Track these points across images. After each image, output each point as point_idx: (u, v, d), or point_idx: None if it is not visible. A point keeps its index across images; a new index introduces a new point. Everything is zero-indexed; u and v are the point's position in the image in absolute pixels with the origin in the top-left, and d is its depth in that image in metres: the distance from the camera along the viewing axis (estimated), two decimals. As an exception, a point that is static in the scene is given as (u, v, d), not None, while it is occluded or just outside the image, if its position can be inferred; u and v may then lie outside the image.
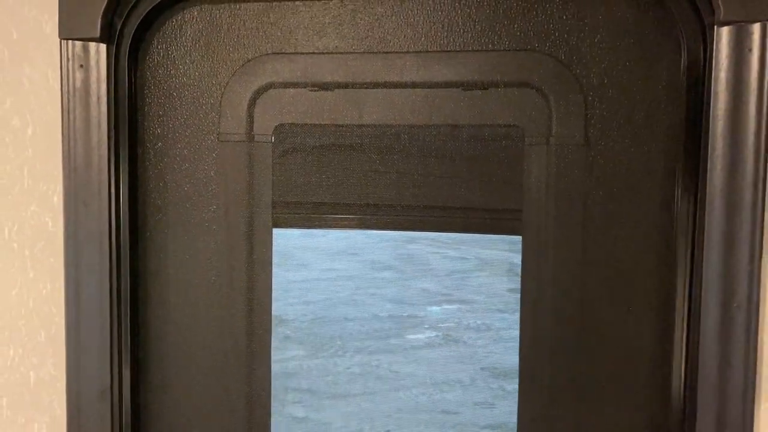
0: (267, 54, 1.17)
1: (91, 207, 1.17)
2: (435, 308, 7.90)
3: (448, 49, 1.13)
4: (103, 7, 1.12)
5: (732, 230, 1.02)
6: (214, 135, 1.20)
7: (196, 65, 1.20)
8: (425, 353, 6.52)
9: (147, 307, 1.23)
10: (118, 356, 1.19)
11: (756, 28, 0.99)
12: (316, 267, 9.46)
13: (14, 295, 1.22)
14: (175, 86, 1.20)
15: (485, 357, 6.34)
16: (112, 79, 1.16)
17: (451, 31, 1.13)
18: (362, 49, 1.15)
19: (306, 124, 1.18)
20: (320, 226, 1.21)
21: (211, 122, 1.20)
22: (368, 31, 1.15)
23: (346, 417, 5.26)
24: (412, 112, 1.15)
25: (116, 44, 1.16)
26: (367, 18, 1.15)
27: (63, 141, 1.16)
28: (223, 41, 1.19)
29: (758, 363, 1.03)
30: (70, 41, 1.14)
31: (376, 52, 1.14)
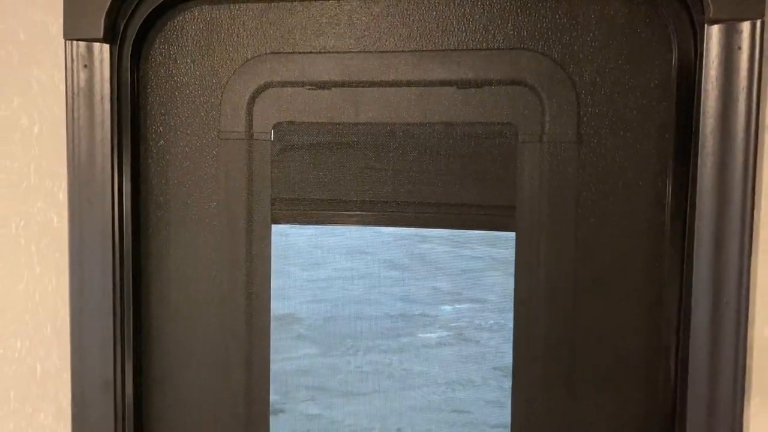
0: (266, 54, 1.20)
1: (95, 203, 1.19)
2: (447, 307, 7.91)
3: (443, 48, 1.14)
4: (106, 8, 1.15)
5: (722, 227, 1.02)
6: (215, 133, 1.23)
7: (197, 65, 1.22)
8: (437, 352, 6.53)
9: (149, 301, 1.26)
10: (121, 349, 1.22)
11: (745, 26, 1.00)
12: (329, 266, 9.49)
13: (21, 289, 1.25)
14: (177, 85, 1.23)
15: (497, 356, 6.33)
16: (116, 78, 1.18)
17: (446, 30, 1.15)
18: (358, 49, 1.17)
19: (304, 122, 1.20)
20: (318, 222, 1.23)
21: (212, 120, 1.22)
22: (364, 30, 1.17)
23: (357, 415, 5.28)
24: (408, 110, 1.16)
25: (119, 44, 1.18)
26: (363, 18, 1.17)
27: (68, 139, 1.19)
28: (223, 41, 1.21)
29: (747, 358, 1.04)
30: (74, 42, 1.17)
31: (372, 52, 1.16)
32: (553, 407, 1.15)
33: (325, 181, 1.21)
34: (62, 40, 1.18)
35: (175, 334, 1.26)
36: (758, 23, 0.99)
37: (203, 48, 1.22)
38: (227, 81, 1.21)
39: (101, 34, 1.16)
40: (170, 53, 1.22)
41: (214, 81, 1.22)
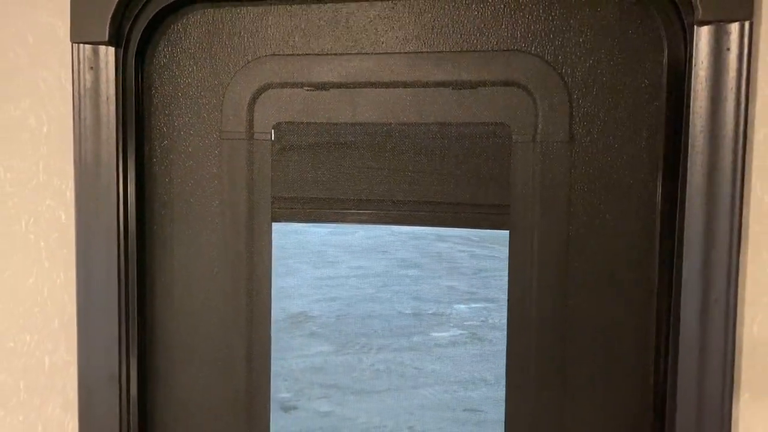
0: (266, 56, 1.22)
1: (100, 201, 1.23)
2: (461, 306, 7.90)
3: (438, 49, 1.17)
4: (112, 12, 1.18)
5: (711, 225, 1.04)
6: (217, 133, 1.26)
7: (199, 67, 1.25)
8: (450, 351, 6.54)
9: (153, 296, 1.29)
10: (126, 343, 1.25)
11: (733, 27, 1.01)
12: (343, 264, 9.52)
13: (31, 283, 1.29)
14: (180, 87, 1.26)
15: (510, 355, 6.30)
16: (121, 80, 1.22)
17: (441, 32, 1.17)
18: (356, 51, 1.19)
19: (303, 123, 1.23)
20: (316, 221, 1.26)
21: (214, 121, 1.25)
22: (361, 33, 1.19)
23: (369, 412, 5.30)
24: (404, 110, 1.18)
25: (124, 47, 1.22)
26: (360, 20, 1.19)
27: (74, 139, 1.23)
28: (225, 44, 1.24)
29: (737, 355, 1.05)
30: (81, 45, 1.21)
31: (368, 53, 1.19)
32: (546, 403, 1.17)
33: (324, 180, 1.23)
34: (69, 43, 1.21)
35: (179, 329, 1.29)
36: (746, 24, 1.00)
37: (205, 50, 1.25)
38: (228, 82, 1.24)
39: (106, 37, 1.19)
40: (173, 55, 1.25)
41: (215, 82, 1.25)
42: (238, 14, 1.23)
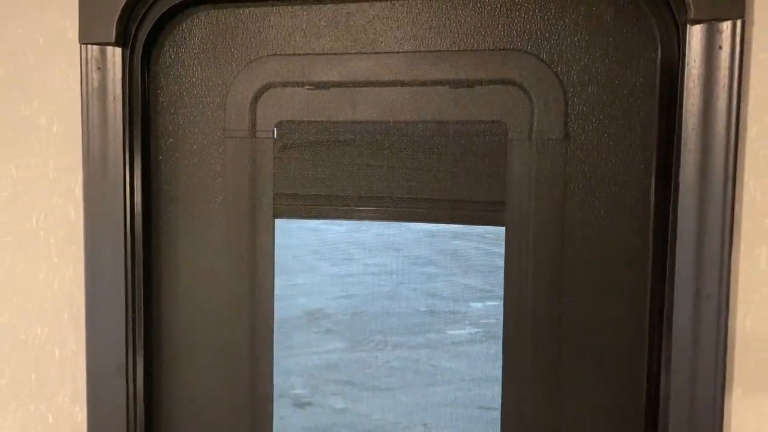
0: (267, 55, 1.25)
1: (108, 198, 1.26)
2: (477, 304, 7.90)
3: (436, 49, 1.18)
4: (118, 14, 1.22)
5: (703, 221, 1.05)
6: (220, 131, 1.28)
7: (203, 67, 1.28)
8: (465, 349, 6.54)
9: (159, 290, 1.33)
10: (133, 335, 1.29)
11: (725, 26, 1.02)
12: (359, 261, 9.56)
13: (41, 278, 1.33)
14: (185, 86, 1.29)
15: (525, 354, 6.30)
16: (127, 80, 1.25)
17: (438, 32, 1.19)
18: (355, 50, 1.21)
19: (304, 121, 1.25)
20: (317, 217, 1.28)
21: (217, 119, 1.28)
22: (361, 32, 1.21)
23: (384, 409, 5.33)
24: (402, 109, 1.21)
25: (130, 48, 1.25)
26: (359, 21, 1.21)
27: (83, 137, 1.26)
28: (228, 44, 1.27)
29: (729, 349, 1.06)
30: (89, 45, 1.24)
31: (368, 53, 1.21)
32: (541, 397, 1.19)
33: (324, 177, 1.26)
34: (78, 44, 1.25)
35: (184, 322, 1.32)
36: (738, 23, 1.01)
37: (209, 51, 1.28)
38: (232, 82, 1.27)
39: (113, 39, 1.22)
40: (178, 56, 1.29)
41: (219, 82, 1.28)
42: (240, 15, 1.25)
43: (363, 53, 1.21)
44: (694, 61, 1.03)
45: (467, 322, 7.31)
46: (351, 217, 1.26)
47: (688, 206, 1.05)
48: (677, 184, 1.06)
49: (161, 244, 1.32)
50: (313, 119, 1.25)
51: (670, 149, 1.08)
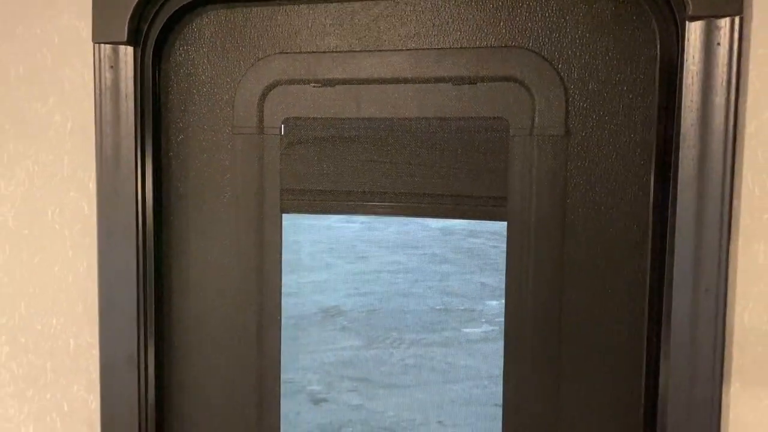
0: (275, 53, 1.28)
1: (120, 193, 1.30)
2: (493, 302, 7.87)
3: (439, 46, 1.20)
4: (130, 14, 1.25)
5: (702, 217, 1.06)
6: (229, 128, 1.31)
7: (213, 65, 1.31)
8: (481, 347, 6.53)
9: (170, 283, 1.36)
10: (144, 327, 1.32)
11: (723, 22, 1.03)
12: (375, 259, 9.57)
13: (56, 271, 1.37)
14: (194, 84, 1.32)
15: (541, 352, 6.28)
16: (139, 78, 1.28)
17: (442, 30, 1.20)
18: (360, 48, 1.24)
19: (310, 118, 1.28)
20: (322, 211, 1.31)
21: (226, 116, 1.31)
22: (365, 31, 1.24)
23: (399, 406, 5.34)
24: (406, 105, 1.23)
25: (142, 47, 1.28)
26: (364, 19, 1.24)
27: (96, 134, 1.30)
28: (236, 43, 1.30)
29: (727, 343, 1.07)
30: (102, 45, 1.28)
31: (372, 51, 1.23)
32: (542, 390, 1.21)
33: (329, 172, 1.28)
34: (91, 43, 1.28)
35: (194, 314, 1.36)
36: (736, 19, 1.02)
37: (218, 49, 1.31)
38: (240, 79, 1.30)
39: (126, 38, 1.25)
40: (188, 54, 1.32)
41: (228, 80, 1.31)
42: (248, 14, 1.28)
43: (367, 51, 1.23)
44: (693, 57, 1.04)
45: (483, 320, 7.30)
46: (355, 212, 1.28)
47: (687, 201, 1.06)
48: (676, 180, 1.07)
49: (172, 238, 1.35)
50: (319, 116, 1.27)
51: (669, 145, 1.10)
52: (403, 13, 1.22)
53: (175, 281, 1.36)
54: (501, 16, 1.17)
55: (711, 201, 1.05)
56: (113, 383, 1.33)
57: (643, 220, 1.13)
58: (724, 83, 1.03)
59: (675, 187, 1.07)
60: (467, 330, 6.99)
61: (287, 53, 1.27)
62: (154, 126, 1.31)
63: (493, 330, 6.95)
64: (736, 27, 1.02)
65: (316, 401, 5.39)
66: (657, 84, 1.10)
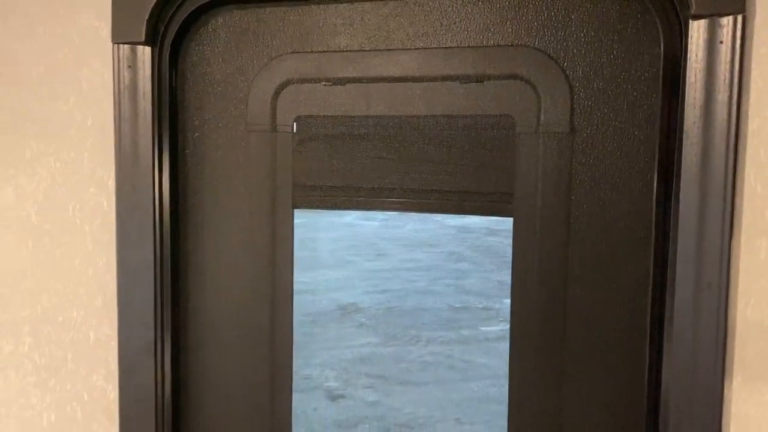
0: (287, 53, 1.31)
1: (138, 189, 1.34)
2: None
3: (447, 45, 1.23)
4: (147, 15, 1.29)
5: (705, 213, 1.07)
6: (243, 126, 1.35)
7: (227, 64, 1.35)
8: (498, 345, 6.53)
9: (186, 276, 1.40)
10: (161, 319, 1.36)
11: (726, 21, 1.04)
12: (394, 257, 9.61)
13: (77, 264, 1.42)
14: (210, 83, 1.36)
15: (558, 350, 6.27)
16: (156, 77, 1.32)
17: (449, 29, 1.23)
18: (370, 47, 1.26)
19: (321, 116, 1.31)
20: (332, 207, 1.34)
21: (240, 114, 1.35)
22: (375, 30, 1.27)
23: (416, 403, 5.37)
24: (414, 103, 1.25)
25: (159, 47, 1.32)
26: (374, 19, 1.26)
27: (115, 132, 1.34)
28: (250, 43, 1.33)
29: (729, 338, 1.08)
30: (120, 45, 1.32)
31: (381, 50, 1.26)
32: (546, 385, 1.23)
33: (339, 169, 1.31)
34: (110, 44, 1.33)
35: (209, 306, 1.39)
36: (739, 18, 1.03)
37: (232, 49, 1.34)
38: (253, 79, 1.33)
39: (143, 38, 1.29)
40: (204, 54, 1.36)
41: (241, 79, 1.34)
42: (261, 15, 1.32)
43: (377, 50, 1.26)
44: (696, 55, 1.06)
45: (501, 318, 7.30)
46: (364, 207, 1.31)
47: (690, 198, 1.08)
48: (679, 177, 1.08)
49: (188, 233, 1.39)
50: (329, 114, 1.30)
51: (672, 142, 1.11)
52: (411, 13, 1.24)
53: (190, 275, 1.40)
54: (507, 15, 1.19)
55: (713, 197, 1.06)
56: (131, 374, 1.37)
57: (646, 216, 1.15)
58: (727, 81, 1.04)
59: (678, 184, 1.09)
60: (485, 328, 7.00)
61: (299, 53, 1.30)
62: (171, 124, 1.35)
63: (511, 328, 6.95)
64: (739, 25, 1.03)
65: (334, 397, 5.44)
66: (661, 82, 1.12)
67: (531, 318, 1.22)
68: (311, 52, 1.30)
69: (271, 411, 1.38)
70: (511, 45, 1.19)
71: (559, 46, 1.17)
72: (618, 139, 1.16)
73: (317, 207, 1.34)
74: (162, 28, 1.32)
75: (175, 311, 1.39)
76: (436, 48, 1.23)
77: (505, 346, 6.46)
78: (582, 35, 1.16)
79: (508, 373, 1.26)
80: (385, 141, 1.28)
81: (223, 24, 1.34)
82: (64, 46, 1.37)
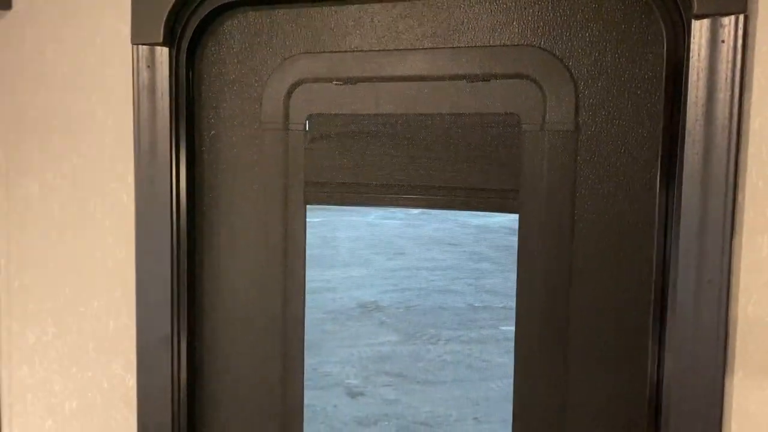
0: (299, 53, 1.35)
1: (156, 185, 1.39)
2: (531, 301, 7.83)
3: (454, 45, 1.26)
4: (165, 17, 1.33)
5: (706, 209, 1.09)
6: (257, 124, 1.39)
7: (242, 64, 1.39)
8: (518, 344, 6.50)
9: (201, 269, 1.45)
10: (177, 311, 1.41)
11: (728, 21, 1.05)
12: (414, 256, 9.63)
13: (98, 257, 1.47)
14: (225, 82, 1.40)
15: (578, 351, 6.24)
16: (174, 77, 1.37)
17: (457, 29, 1.26)
18: (379, 48, 1.30)
19: (332, 114, 1.34)
20: (343, 203, 1.37)
21: (254, 113, 1.39)
22: (385, 31, 1.30)
23: (435, 402, 5.38)
24: (422, 102, 1.28)
25: (176, 48, 1.36)
26: (383, 20, 1.30)
27: (134, 130, 1.39)
28: (264, 44, 1.37)
29: (731, 334, 1.09)
30: (139, 46, 1.36)
31: (391, 50, 1.29)
32: (550, 379, 1.25)
33: (349, 166, 1.35)
34: (130, 44, 1.37)
35: (223, 298, 1.44)
36: (740, 17, 1.05)
37: (247, 50, 1.38)
38: (267, 78, 1.37)
39: (161, 39, 1.34)
40: (219, 54, 1.40)
41: (256, 78, 1.38)
42: (275, 17, 1.36)
43: (387, 50, 1.29)
44: (699, 54, 1.07)
45: (521, 318, 7.26)
46: (373, 204, 1.34)
47: (692, 194, 1.09)
48: (682, 173, 1.10)
49: (204, 227, 1.44)
50: (340, 112, 1.34)
51: (675, 140, 1.13)
52: (420, 14, 1.27)
53: (206, 267, 1.44)
54: (514, 16, 1.22)
55: (715, 195, 1.08)
56: (149, 362, 1.42)
57: (649, 212, 1.17)
58: (729, 80, 1.06)
59: (680, 181, 1.10)
60: (505, 328, 6.99)
61: (311, 53, 1.34)
62: (188, 122, 1.40)
63: (531, 328, 6.92)
64: (741, 25, 1.05)
65: (353, 395, 5.48)
66: (663, 81, 1.13)
67: (535, 312, 1.25)
68: (323, 52, 1.33)
69: (283, 401, 1.42)
70: (517, 45, 1.22)
71: (564, 46, 1.19)
72: (621, 137, 1.18)
73: (328, 203, 1.38)
74: (179, 30, 1.36)
75: (190, 303, 1.43)
76: (444, 48, 1.26)
77: (524, 346, 6.45)
78: (586, 35, 1.18)
79: (513, 367, 1.28)
80: (394, 139, 1.31)
81: (238, 25, 1.38)
82: (88, 48, 1.42)
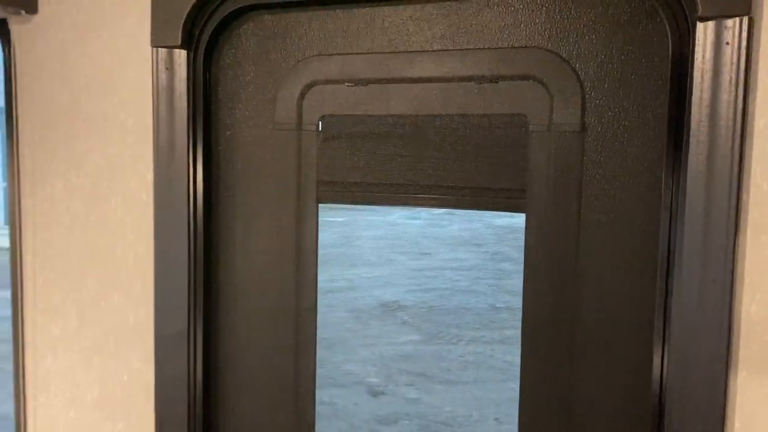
0: (312, 56, 1.38)
1: (174, 184, 1.43)
2: (555, 302, 7.79)
3: (463, 47, 1.28)
4: (183, 20, 1.38)
5: (710, 209, 1.10)
6: (271, 124, 1.43)
7: (257, 67, 1.42)
8: (541, 345, 6.48)
9: (217, 265, 1.49)
10: (194, 305, 1.45)
11: (732, 23, 1.06)
12: (438, 256, 9.65)
13: (119, 253, 1.52)
14: (241, 84, 1.44)
15: (601, 352, 6.20)
16: (191, 79, 1.41)
17: (466, 32, 1.28)
18: (390, 50, 1.33)
19: (344, 115, 1.37)
20: (354, 202, 1.40)
21: (269, 114, 1.43)
22: (395, 33, 1.33)
23: (456, 402, 5.40)
24: (431, 103, 1.31)
25: (194, 50, 1.41)
26: (394, 22, 1.32)
27: (153, 130, 1.43)
28: (278, 46, 1.41)
29: (735, 333, 1.10)
30: (159, 48, 1.41)
31: (401, 52, 1.32)
32: (556, 372, 1.26)
33: (360, 165, 1.38)
34: (149, 48, 1.42)
35: (238, 293, 1.48)
36: (745, 20, 1.06)
37: (261, 52, 1.42)
38: (281, 80, 1.41)
39: (180, 42, 1.38)
40: (235, 57, 1.44)
41: (270, 80, 1.42)
42: (288, 20, 1.39)
43: (397, 52, 1.32)
44: (703, 56, 1.09)
45: (544, 319, 7.23)
46: (383, 203, 1.37)
47: (697, 195, 1.10)
48: (686, 173, 1.11)
49: (220, 225, 1.48)
50: (352, 113, 1.37)
51: (680, 140, 1.14)
52: (430, 16, 1.30)
53: (222, 264, 1.48)
54: (521, 18, 1.24)
55: (720, 195, 1.09)
56: (166, 356, 1.46)
57: (654, 212, 1.18)
58: (733, 81, 1.07)
59: (685, 181, 1.11)
60: (528, 329, 6.96)
61: (324, 55, 1.37)
62: (205, 123, 1.44)
63: (554, 329, 6.89)
64: (745, 27, 1.05)
65: (375, 393, 5.52)
66: (669, 82, 1.14)
67: (542, 310, 1.26)
68: (335, 54, 1.36)
69: (296, 394, 1.46)
70: (525, 47, 1.24)
71: (570, 48, 1.21)
72: (627, 137, 1.19)
73: (339, 202, 1.41)
74: (197, 33, 1.40)
75: (206, 299, 1.48)
76: (452, 50, 1.28)
77: (547, 347, 6.42)
78: (593, 37, 1.20)
79: (520, 361, 1.30)
80: (404, 139, 1.34)
81: (253, 29, 1.42)
82: (110, 50, 1.47)
